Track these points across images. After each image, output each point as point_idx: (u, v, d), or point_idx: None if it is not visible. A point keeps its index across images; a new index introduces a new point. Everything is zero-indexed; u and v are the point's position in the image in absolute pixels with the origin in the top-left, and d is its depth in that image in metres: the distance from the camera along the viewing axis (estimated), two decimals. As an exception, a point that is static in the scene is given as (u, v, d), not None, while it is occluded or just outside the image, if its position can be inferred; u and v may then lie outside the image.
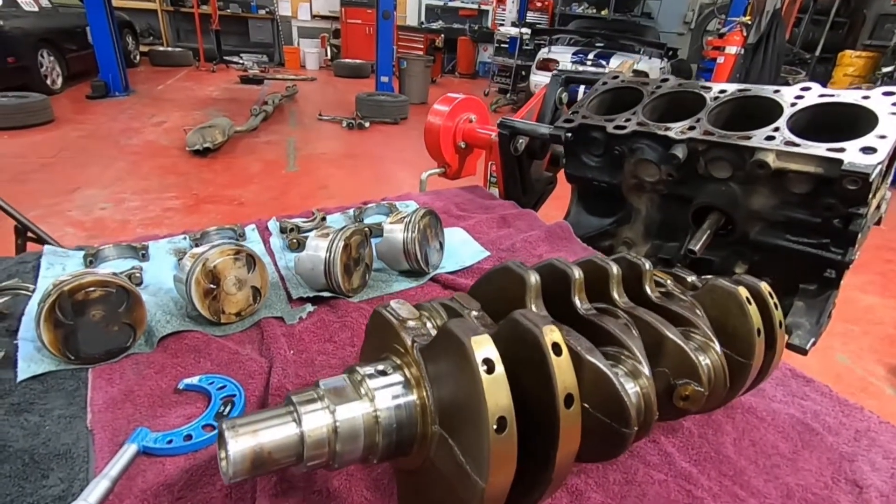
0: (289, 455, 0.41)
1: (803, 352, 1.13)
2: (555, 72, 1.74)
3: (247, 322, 1.05)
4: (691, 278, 0.88)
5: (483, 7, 14.27)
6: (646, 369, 0.59)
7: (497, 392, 0.41)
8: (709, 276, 0.88)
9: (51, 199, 4.82)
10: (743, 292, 0.75)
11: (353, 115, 8.15)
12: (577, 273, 0.67)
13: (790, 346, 1.14)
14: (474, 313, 0.57)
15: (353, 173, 6.15)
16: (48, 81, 8.21)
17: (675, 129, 1.26)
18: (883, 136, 1.01)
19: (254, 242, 1.37)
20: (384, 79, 9.53)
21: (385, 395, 0.45)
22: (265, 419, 0.41)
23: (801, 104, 1.17)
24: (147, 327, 0.98)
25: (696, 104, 1.33)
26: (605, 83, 1.53)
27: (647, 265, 0.78)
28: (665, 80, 1.44)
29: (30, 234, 2.40)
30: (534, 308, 0.61)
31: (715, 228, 1.24)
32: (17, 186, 5.09)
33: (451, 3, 14.34)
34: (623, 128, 1.34)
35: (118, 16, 9.80)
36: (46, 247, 1.23)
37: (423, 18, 14.42)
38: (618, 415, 0.53)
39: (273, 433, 0.40)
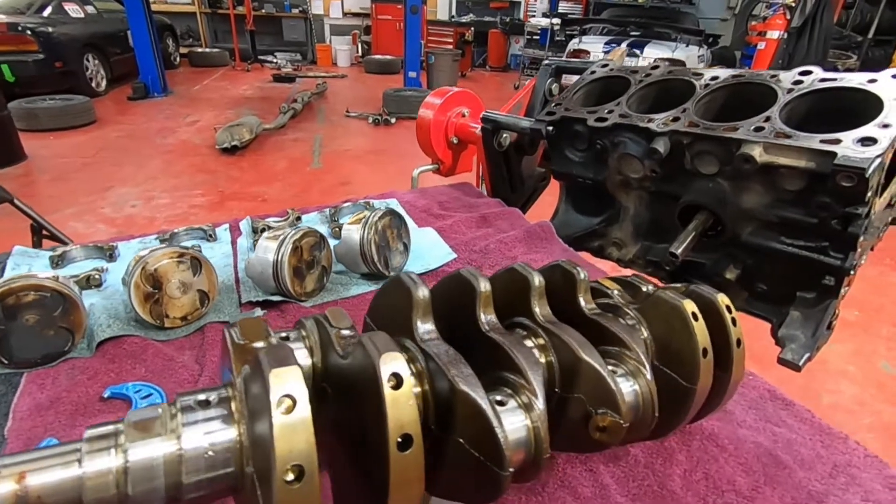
0: (65, 500, 0.36)
1: (796, 368, 1.01)
2: (545, 62, 1.64)
3: (192, 327, 1.03)
4: (647, 287, 0.78)
5: (514, -2, 14.02)
6: (539, 401, 0.51)
7: (293, 439, 0.35)
8: (677, 285, 0.79)
9: (87, 197, 5.05)
10: (688, 307, 0.65)
11: (379, 111, 8.17)
12: (484, 286, 0.60)
13: (782, 362, 1.02)
14: (344, 332, 0.51)
15: (377, 169, 6.16)
16: (93, 84, 8.61)
17: (658, 121, 1.15)
18: (886, 126, 0.88)
19: (223, 243, 1.35)
20: (412, 74, 9.51)
21: (196, 431, 0.40)
22: (44, 458, 0.37)
23: (799, 90, 1.04)
24: (89, 331, 0.97)
25: (686, 93, 1.21)
26: (592, 72, 1.43)
27: (583, 275, 0.70)
28: (655, 67, 1.32)
29: (45, 233, 2.51)
30: (426, 325, 0.55)
31: (701, 230, 1.13)
32: (59, 185, 5.36)
33: (482, -4, 14.17)
34: (604, 120, 1.24)
35: (159, 19, 10.19)
36: (16, 247, 1.24)
37: (453, 12, 14.30)
38: (492, 454, 0.46)
39: (45, 475, 0.36)
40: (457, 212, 1.54)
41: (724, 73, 1.19)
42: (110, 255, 1.26)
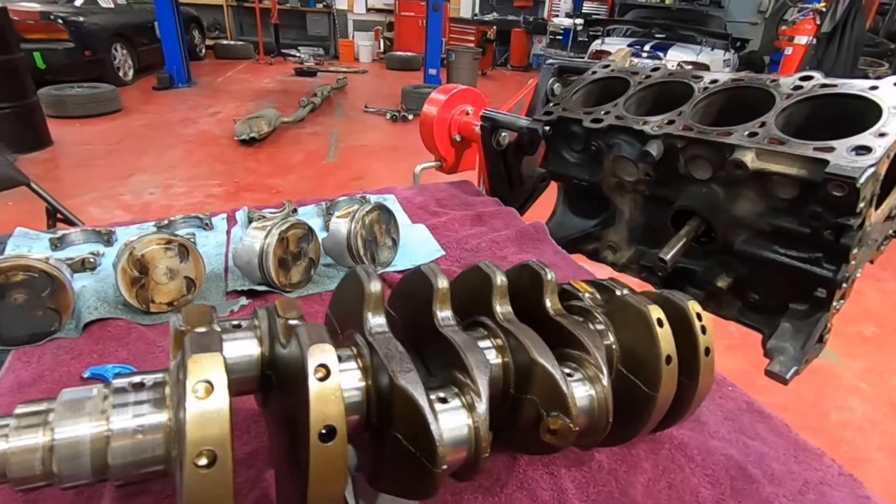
0: (-13, 472, 0.37)
1: (783, 381, 0.98)
2: (549, 61, 1.62)
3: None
4: (621, 291, 0.77)
5: (539, -2, 13.90)
6: (482, 402, 0.51)
7: (206, 425, 0.35)
8: (652, 291, 0.77)
9: (108, 184, 5.17)
10: (653, 313, 0.64)
11: (398, 107, 8.19)
12: (441, 283, 0.60)
13: (769, 374, 1.00)
14: (291, 322, 0.51)
15: (391, 165, 6.18)
16: (120, 73, 8.80)
17: (653, 124, 1.13)
18: (883, 134, 0.85)
19: (219, 232, 1.37)
20: (432, 71, 9.50)
21: (126, 413, 0.41)
22: (-28, 431, 0.38)
23: (798, 96, 1.01)
24: (77, 312, 0.99)
25: (685, 96, 1.19)
26: (594, 73, 1.41)
27: (550, 276, 0.69)
28: (656, 69, 1.30)
29: (59, 216, 2.58)
30: (377, 319, 0.55)
31: (693, 236, 1.10)
32: (82, 171, 5.50)
33: (506, -6, 14.08)
34: (600, 121, 1.22)
35: (186, 11, 10.36)
36: (18, 229, 1.28)
37: (476, 10, 14.24)
38: (426, 450, 0.46)
39: (-31, 449, 0.37)
40: (453, 209, 1.54)
41: (724, 76, 1.16)
42: (108, 239, 1.29)
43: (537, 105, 1.63)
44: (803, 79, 1.04)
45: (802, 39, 6.34)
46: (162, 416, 0.41)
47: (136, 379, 0.43)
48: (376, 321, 0.54)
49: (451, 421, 0.49)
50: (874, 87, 0.94)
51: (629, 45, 8.46)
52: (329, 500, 0.40)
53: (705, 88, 1.16)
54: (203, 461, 0.35)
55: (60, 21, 7.49)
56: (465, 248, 1.30)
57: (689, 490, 0.69)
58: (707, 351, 0.67)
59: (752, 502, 0.68)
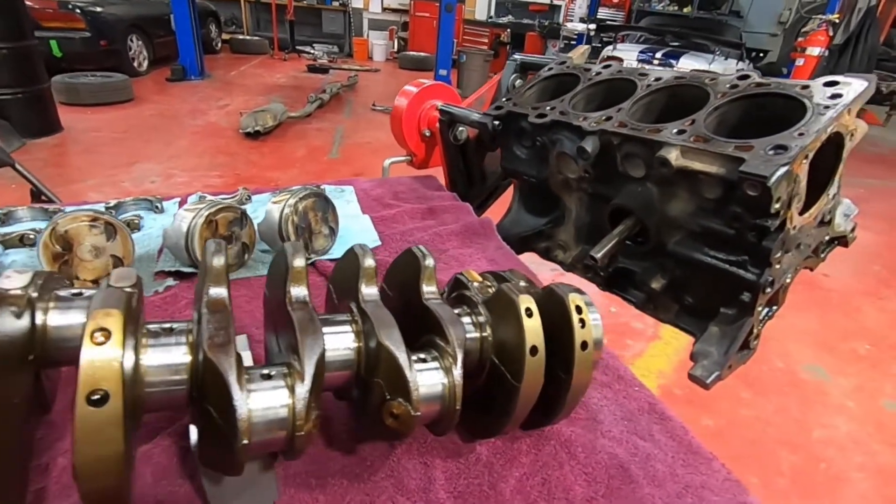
0: None
1: (704, 385, 0.96)
2: (511, 57, 1.61)
3: (102, 290, 1.05)
4: (515, 283, 0.76)
5: (555, 2, 13.85)
6: (303, 386, 0.50)
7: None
8: (550, 284, 0.76)
9: (111, 170, 5.25)
10: (523, 303, 0.63)
11: (405, 106, 8.20)
12: (298, 262, 0.59)
13: (691, 378, 0.97)
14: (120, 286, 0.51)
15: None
16: (135, 64, 8.95)
17: (591, 120, 1.11)
18: (802, 134, 0.83)
19: (168, 215, 1.38)
20: (442, 72, 9.51)
21: None
22: None
23: (731, 95, 0.98)
24: None
25: (630, 93, 1.17)
26: (549, 69, 1.39)
27: (429, 261, 0.68)
28: (607, 66, 1.28)
29: (43, 198, 2.62)
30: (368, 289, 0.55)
31: (627, 235, 1.08)
32: (88, 157, 5.60)
33: (522, -2, 14.07)
34: (544, 116, 1.21)
35: (204, 5, 10.52)
36: (-32, 203, 1.30)
37: (492, 13, 14.24)
38: (230, 424, 0.45)
39: None
40: (407, 202, 1.53)
41: (668, 74, 1.14)
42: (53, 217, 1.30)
43: (499, 100, 1.61)
44: (741, 78, 1.02)
45: (815, 51, 6.21)
46: None
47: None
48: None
49: (267, 400, 0.49)
50: (805, 87, 0.92)
51: (641, 52, 8.40)
52: (99, 464, 0.39)
53: (648, 86, 1.13)
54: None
55: (78, 10, 7.65)
56: (408, 241, 1.29)
57: (563, 487, 0.67)
58: (584, 345, 0.65)
59: (624, 502, 0.66)
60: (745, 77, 1.01)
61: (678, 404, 2.87)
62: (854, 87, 0.87)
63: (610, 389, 0.86)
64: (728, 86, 1.01)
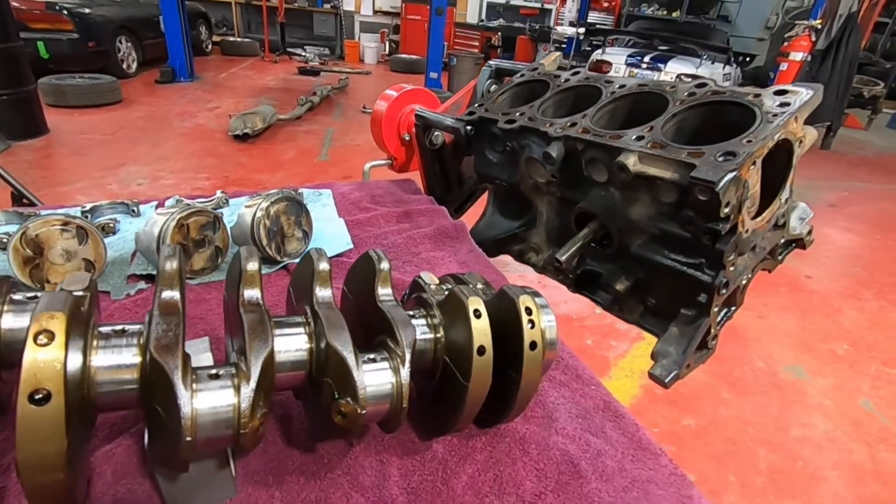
0: None
1: (663, 384, 0.99)
2: (487, 63, 1.64)
3: (74, 293, 1.06)
4: (473, 285, 0.78)
5: (546, 6, 13.94)
6: (248, 386, 0.52)
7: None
8: (507, 286, 0.78)
9: (99, 173, 5.23)
10: (472, 304, 0.65)
11: (395, 109, 8.22)
12: (251, 266, 0.61)
13: (651, 376, 1.00)
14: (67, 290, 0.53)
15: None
16: (124, 66, 8.90)
17: (557, 126, 1.14)
18: (750, 141, 0.86)
19: (144, 219, 1.39)
20: (433, 75, 9.55)
21: None
22: None
23: (689, 102, 1.02)
24: (-28, 288, 1.01)
25: (597, 99, 1.20)
26: (521, 75, 1.42)
27: (384, 265, 0.70)
28: (576, 73, 1.31)
29: (24, 201, 2.62)
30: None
31: (590, 238, 1.11)
32: (75, 159, 5.56)
33: (512, 2, 14.14)
34: (514, 122, 1.23)
35: (194, 7, 10.48)
36: (-58, 207, 1.30)
37: (483, 16, 14.31)
38: (175, 422, 0.47)
39: None
40: (384, 206, 1.55)
41: (633, 81, 1.17)
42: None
43: (472, 105, 1.64)
44: (699, 86, 1.05)
45: (798, 56, 6.31)
46: None
47: None
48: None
49: (212, 399, 0.51)
50: (757, 95, 0.95)
51: (630, 56, 8.47)
52: (41, 461, 0.41)
53: (613, 93, 1.17)
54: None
55: (65, 12, 7.60)
56: (382, 244, 1.31)
57: (514, 483, 0.70)
58: (533, 345, 0.68)
59: (571, 497, 0.68)
60: (703, 85, 1.04)
61: (660, 405, 2.91)
62: (801, 95, 0.90)
63: (567, 388, 0.88)
64: (686, 94, 1.04)
